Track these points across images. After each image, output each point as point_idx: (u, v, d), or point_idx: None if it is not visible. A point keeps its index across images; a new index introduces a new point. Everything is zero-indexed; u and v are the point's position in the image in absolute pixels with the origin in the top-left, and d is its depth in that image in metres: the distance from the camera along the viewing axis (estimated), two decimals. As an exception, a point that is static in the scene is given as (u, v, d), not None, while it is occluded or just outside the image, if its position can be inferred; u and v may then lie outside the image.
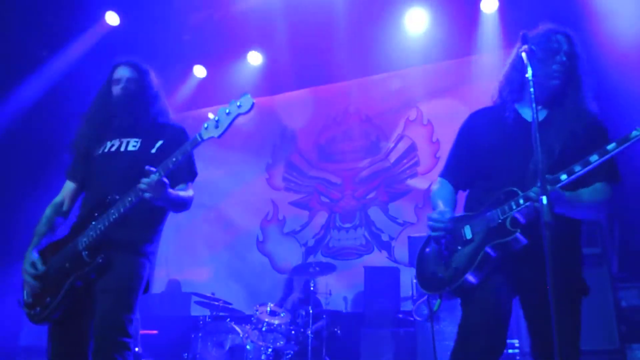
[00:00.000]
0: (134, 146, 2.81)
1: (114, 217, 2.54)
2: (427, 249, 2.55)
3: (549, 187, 2.09)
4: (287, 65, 7.28)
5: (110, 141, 2.85)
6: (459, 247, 2.38)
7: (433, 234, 2.45)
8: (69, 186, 2.97)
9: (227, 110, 2.40)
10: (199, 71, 7.65)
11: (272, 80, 7.57)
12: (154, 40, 6.67)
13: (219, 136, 2.42)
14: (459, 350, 2.32)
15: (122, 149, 2.82)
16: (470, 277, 2.29)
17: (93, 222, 2.61)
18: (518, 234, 2.21)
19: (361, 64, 7.22)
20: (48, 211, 2.92)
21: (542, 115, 2.46)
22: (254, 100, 2.37)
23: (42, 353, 2.84)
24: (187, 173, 2.81)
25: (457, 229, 2.41)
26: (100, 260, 2.55)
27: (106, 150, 2.84)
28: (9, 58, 6.61)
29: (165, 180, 2.49)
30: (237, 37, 6.93)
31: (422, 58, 6.96)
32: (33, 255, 2.73)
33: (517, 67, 2.47)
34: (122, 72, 2.93)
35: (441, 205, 2.52)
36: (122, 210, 2.54)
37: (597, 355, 3.71)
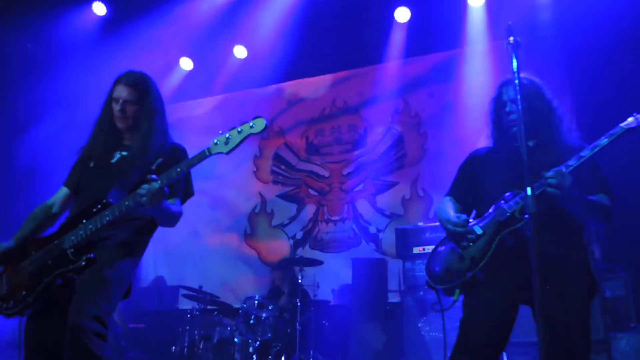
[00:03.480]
0: (129, 156, 2.81)
1: (107, 219, 2.53)
2: (438, 251, 2.72)
3: (564, 169, 2.34)
4: (273, 58, 7.26)
5: (110, 155, 2.86)
6: (471, 244, 2.53)
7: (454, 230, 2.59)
8: (62, 191, 2.96)
9: (239, 129, 2.45)
10: (186, 63, 7.60)
11: (259, 72, 7.53)
12: (140, 31, 6.62)
13: (228, 152, 2.47)
14: (460, 344, 2.43)
15: (114, 160, 2.83)
16: (486, 265, 2.44)
17: (84, 221, 2.59)
18: (527, 219, 2.30)
19: (348, 57, 7.21)
20: (37, 210, 2.91)
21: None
22: (267, 123, 2.44)
23: (13, 347, 2.81)
24: (183, 190, 2.83)
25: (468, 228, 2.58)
26: (83, 263, 2.52)
27: (104, 162, 2.84)
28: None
29: (166, 190, 2.50)
30: (223, 29, 6.89)
31: (409, 50, 6.96)
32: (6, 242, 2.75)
33: (496, 106, 2.77)
34: (120, 93, 2.86)
35: (451, 212, 2.70)
36: (117, 213, 2.53)
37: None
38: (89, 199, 2.68)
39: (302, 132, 7.81)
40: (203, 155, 2.51)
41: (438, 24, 6.56)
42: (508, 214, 2.46)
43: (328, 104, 7.74)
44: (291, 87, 7.97)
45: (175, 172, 2.50)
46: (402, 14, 6.68)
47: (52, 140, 5.91)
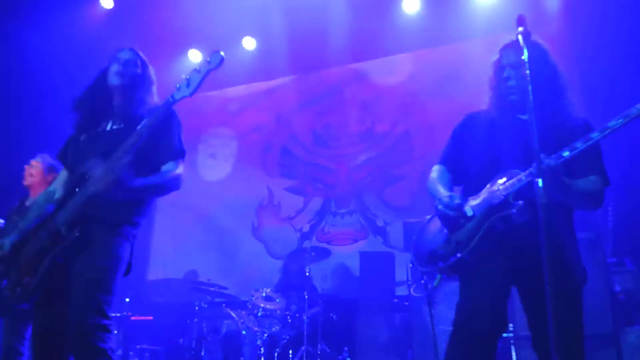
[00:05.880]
0: (119, 125, 2.81)
1: (90, 191, 2.49)
2: (427, 229, 2.58)
3: (552, 161, 2.14)
4: (282, 50, 7.24)
5: (102, 123, 2.85)
6: (460, 225, 2.40)
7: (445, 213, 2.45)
8: (62, 175, 2.95)
9: (198, 69, 2.47)
10: (194, 56, 7.59)
11: (267, 65, 7.53)
12: (148, 25, 6.61)
13: (191, 94, 2.50)
14: (457, 332, 2.31)
15: (108, 128, 2.82)
16: (472, 251, 2.31)
17: (72, 198, 2.58)
18: (521, 205, 2.25)
19: (356, 50, 7.18)
20: (39, 198, 2.93)
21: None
22: (223, 55, 2.45)
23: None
24: (170, 150, 2.73)
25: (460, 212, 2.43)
26: (77, 234, 2.51)
27: (95, 132, 2.83)
28: (3, 42, 6.57)
29: (128, 180, 2.46)
30: (231, 22, 6.87)
31: (417, 43, 6.92)
32: (7, 237, 2.75)
33: (497, 74, 2.60)
34: (123, 55, 2.90)
35: (442, 189, 2.54)
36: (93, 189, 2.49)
37: (591, 339, 3.70)
38: (79, 171, 2.67)
39: (309, 125, 7.79)
40: (167, 103, 2.50)
41: (446, 15, 6.52)
42: (502, 197, 2.32)
43: (336, 97, 7.72)
44: (299, 79, 7.94)
45: (133, 139, 2.48)
46: (411, 6, 6.63)
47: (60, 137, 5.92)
